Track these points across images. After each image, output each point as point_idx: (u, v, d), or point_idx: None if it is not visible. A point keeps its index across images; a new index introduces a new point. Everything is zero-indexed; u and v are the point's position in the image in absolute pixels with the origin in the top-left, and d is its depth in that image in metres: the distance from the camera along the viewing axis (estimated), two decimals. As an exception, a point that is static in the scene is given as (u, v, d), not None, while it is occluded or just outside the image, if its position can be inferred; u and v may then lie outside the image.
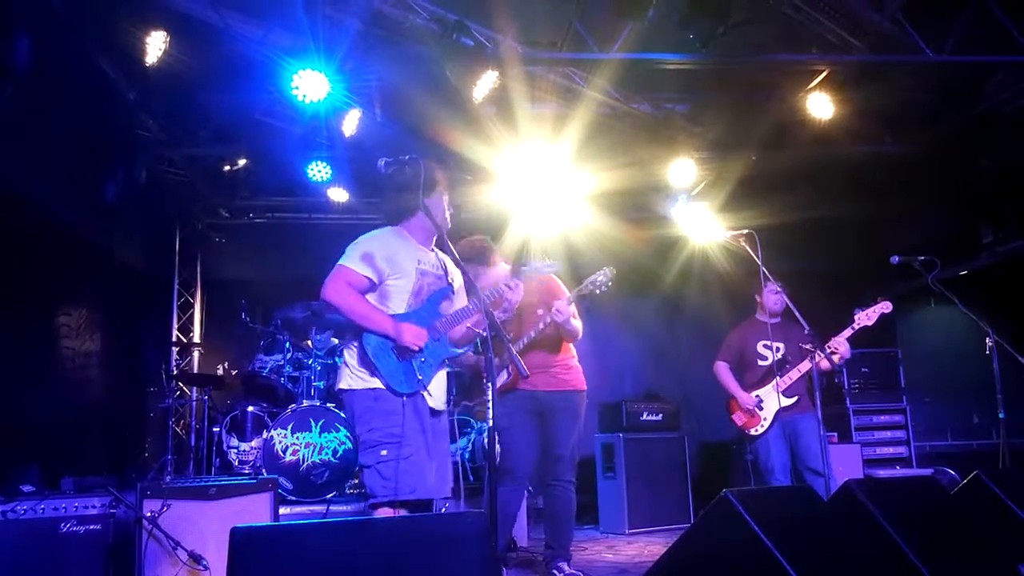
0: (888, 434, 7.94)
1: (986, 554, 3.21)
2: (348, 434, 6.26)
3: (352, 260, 3.58)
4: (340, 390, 3.64)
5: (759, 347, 5.62)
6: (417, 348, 3.55)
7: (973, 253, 8.26)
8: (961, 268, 8.24)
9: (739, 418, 5.59)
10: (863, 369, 7.98)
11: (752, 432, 5.52)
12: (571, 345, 4.89)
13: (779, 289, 5.46)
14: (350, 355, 3.60)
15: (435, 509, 3.69)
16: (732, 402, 5.67)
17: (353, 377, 3.56)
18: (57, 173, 5.97)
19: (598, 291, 4.54)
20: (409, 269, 3.67)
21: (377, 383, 3.51)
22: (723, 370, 5.76)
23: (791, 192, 7.85)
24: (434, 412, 3.65)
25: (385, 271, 3.60)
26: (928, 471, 7.33)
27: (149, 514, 4.12)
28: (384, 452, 3.41)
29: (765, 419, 5.48)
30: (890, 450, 7.89)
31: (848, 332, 5.38)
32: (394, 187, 3.73)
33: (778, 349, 5.57)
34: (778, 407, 5.40)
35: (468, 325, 3.80)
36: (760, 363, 5.62)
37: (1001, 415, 5.10)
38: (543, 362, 4.71)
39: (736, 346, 5.75)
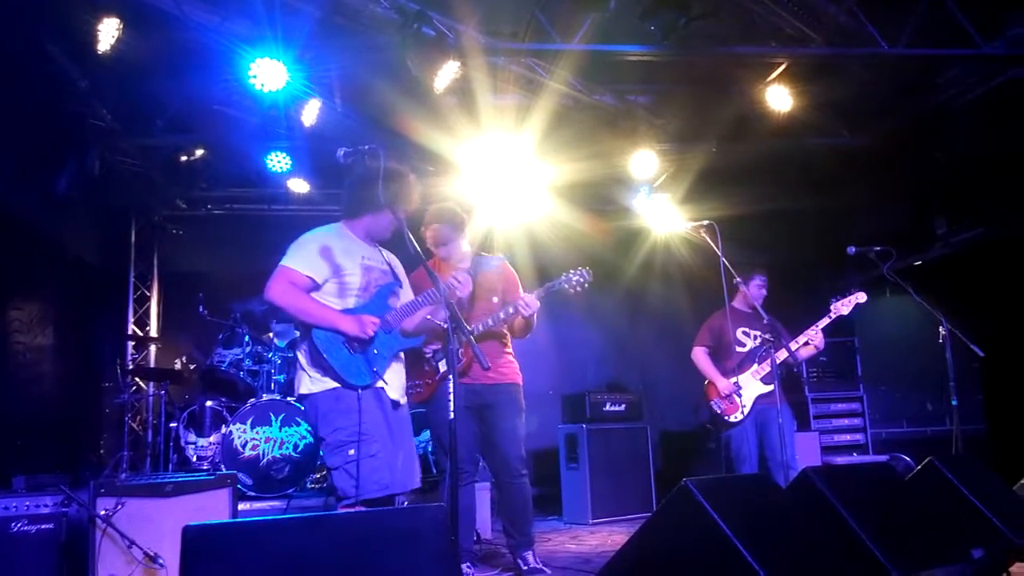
0: (845, 422, 8.08)
1: (940, 538, 3.27)
2: (309, 428, 6.21)
3: (294, 260, 3.60)
4: (301, 395, 3.64)
5: (739, 334, 5.64)
6: (367, 336, 3.55)
7: (927, 244, 8.39)
8: (916, 258, 8.38)
9: (718, 404, 5.60)
10: (821, 358, 8.08)
11: (730, 419, 5.54)
12: (510, 339, 4.80)
13: (762, 286, 5.52)
14: (303, 356, 3.61)
15: (396, 502, 3.68)
16: (710, 388, 5.67)
17: (310, 379, 3.57)
18: (6, 164, 5.83)
19: (571, 291, 4.43)
20: (354, 266, 3.69)
21: (333, 382, 3.52)
22: (701, 355, 5.76)
23: (750, 184, 7.91)
24: (395, 404, 3.67)
25: (329, 269, 3.62)
26: (884, 457, 7.46)
27: (103, 512, 4.05)
28: (351, 452, 3.41)
29: (744, 406, 5.49)
30: (847, 437, 8.02)
31: (825, 321, 5.45)
32: (357, 183, 3.74)
33: (756, 337, 5.61)
34: (757, 394, 5.45)
35: (427, 316, 3.78)
36: (738, 349, 5.64)
37: (954, 402, 5.19)
38: (489, 355, 4.41)
39: (716, 331, 5.73)
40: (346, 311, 3.59)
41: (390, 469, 3.48)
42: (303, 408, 3.81)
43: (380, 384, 3.60)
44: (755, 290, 5.58)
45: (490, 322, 4.49)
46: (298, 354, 3.68)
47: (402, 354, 3.83)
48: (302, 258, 3.61)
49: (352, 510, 3.33)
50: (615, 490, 7.21)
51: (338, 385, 3.52)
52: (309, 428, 6.30)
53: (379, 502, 3.42)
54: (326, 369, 3.52)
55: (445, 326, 3.43)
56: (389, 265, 3.86)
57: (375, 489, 3.40)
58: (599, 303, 9.37)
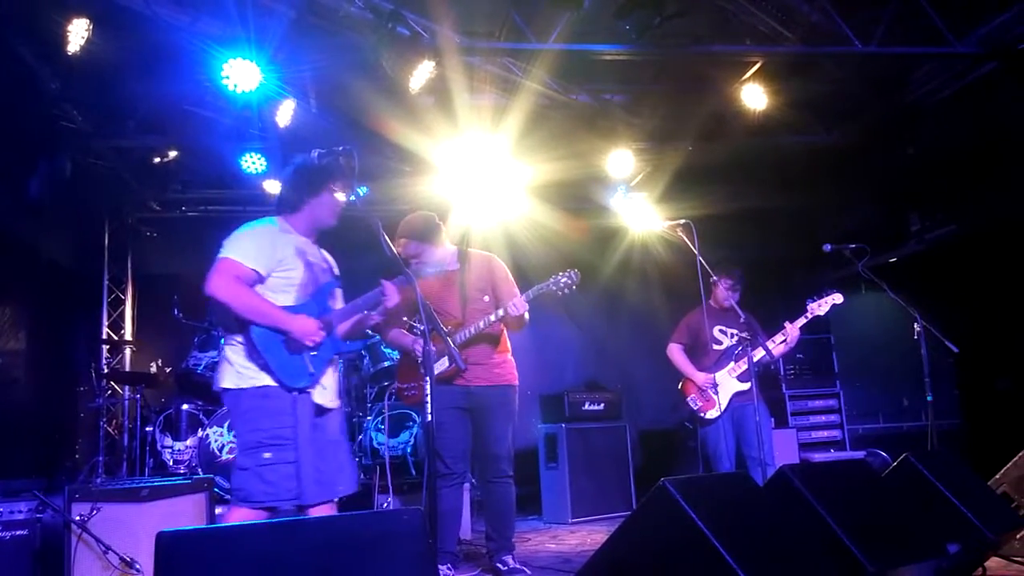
0: (823, 418, 8.14)
1: (916, 534, 3.29)
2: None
3: (237, 252, 3.39)
4: (223, 389, 3.40)
5: (715, 331, 5.66)
6: (315, 343, 3.41)
7: (901, 241, 8.48)
8: (890, 255, 8.46)
9: (694, 401, 5.60)
10: (798, 355, 8.14)
11: (706, 416, 5.55)
12: (506, 338, 4.80)
13: (733, 287, 5.53)
14: (234, 351, 3.40)
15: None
16: (687, 384, 5.68)
17: (239, 375, 3.36)
18: (-25, 167, 5.74)
19: (560, 293, 4.45)
20: (296, 262, 3.52)
21: (267, 380, 3.33)
22: (677, 351, 5.78)
23: (727, 182, 7.96)
24: (323, 410, 3.49)
25: (272, 263, 3.44)
26: (861, 453, 7.52)
27: (78, 518, 4.00)
28: (268, 455, 3.24)
29: (720, 403, 5.51)
30: (825, 434, 8.08)
31: (801, 321, 5.48)
32: (296, 172, 3.62)
33: (733, 335, 5.62)
34: (733, 391, 5.47)
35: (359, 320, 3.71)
36: (715, 347, 5.66)
37: (929, 398, 5.23)
38: (482, 356, 4.55)
39: (693, 328, 5.74)
40: (288, 309, 3.42)
41: (302, 479, 3.27)
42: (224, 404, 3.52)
43: (316, 388, 3.44)
44: (723, 291, 5.59)
45: (482, 325, 4.48)
46: (227, 347, 3.44)
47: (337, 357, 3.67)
48: (246, 250, 3.40)
49: (251, 517, 3.18)
50: (595, 489, 7.22)
51: (272, 384, 3.33)
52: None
53: (285, 512, 3.25)
54: (262, 367, 3.32)
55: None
56: (328, 263, 3.72)
57: (284, 497, 3.22)
58: (577, 302, 9.37)
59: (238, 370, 3.36)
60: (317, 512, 3.36)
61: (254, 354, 3.33)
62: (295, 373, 3.36)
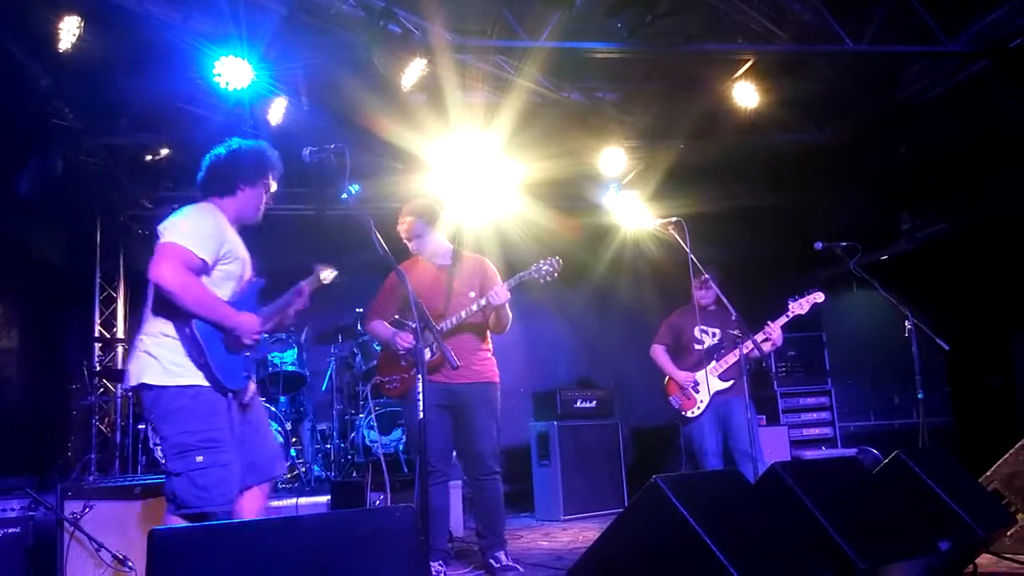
0: (814, 416, 8.16)
1: (907, 531, 3.30)
2: (279, 428, 6.16)
3: (186, 238, 3.11)
4: (143, 384, 3.10)
5: (696, 331, 5.67)
6: (256, 341, 3.26)
7: (893, 239, 8.50)
8: (881, 253, 8.48)
9: (676, 400, 5.64)
10: (790, 353, 8.17)
11: (688, 414, 5.57)
12: (489, 336, 4.80)
13: (702, 285, 5.54)
14: (160, 345, 3.12)
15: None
16: (669, 383, 5.71)
17: (167, 372, 3.08)
18: (-34, 165, 5.72)
19: (542, 280, 4.48)
20: (240, 253, 3.35)
21: (200, 379, 3.10)
22: (660, 352, 5.81)
23: (718, 180, 7.97)
24: (245, 406, 3.37)
25: (217, 254, 3.21)
26: (852, 451, 7.55)
27: (71, 515, 4.00)
28: (200, 458, 3.03)
29: (701, 401, 5.53)
30: (816, 431, 8.10)
31: (782, 320, 5.49)
32: (238, 160, 3.46)
33: (714, 334, 5.64)
34: (714, 390, 5.49)
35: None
36: (696, 347, 5.67)
37: (920, 395, 5.25)
38: (463, 353, 4.45)
39: (675, 329, 5.77)
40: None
41: (235, 483, 3.16)
42: (139, 398, 3.20)
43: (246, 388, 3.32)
44: (696, 292, 5.60)
45: (463, 315, 4.49)
46: (149, 339, 3.14)
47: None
48: (195, 237, 3.13)
49: (191, 523, 3.03)
50: (587, 486, 7.23)
51: (204, 384, 3.10)
52: (280, 428, 6.26)
53: (221, 515, 3.09)
54: (201, 365, 3.09)
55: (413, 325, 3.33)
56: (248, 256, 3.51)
57: (220, 502, 3.06)
58: (569, 300, 9.40)
59: (166, 366, 3.09)
60: (251, 496, 3.29)
61: (195, 351, 3.10)
62: (233, 374, 3.19)
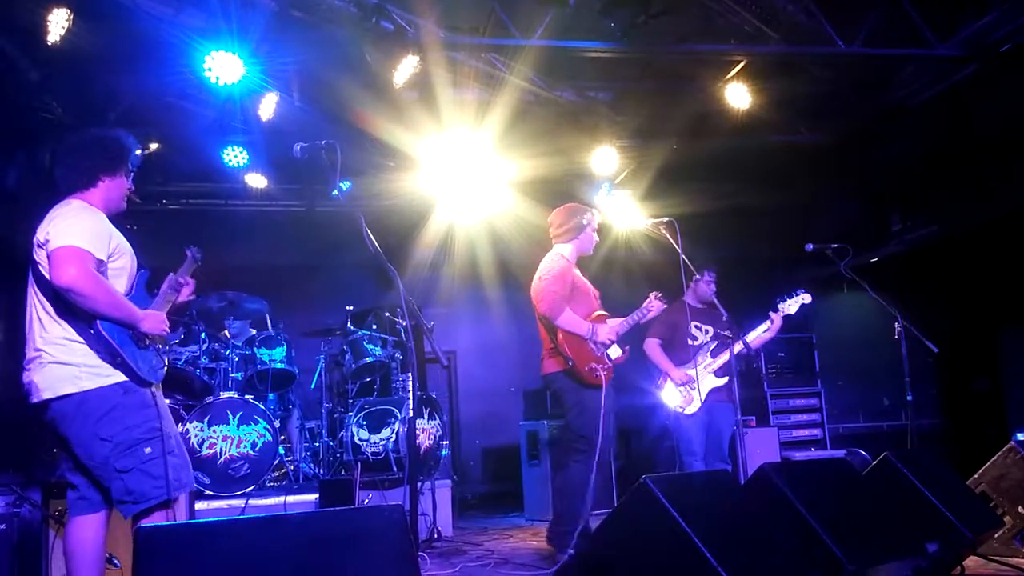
0: (804, 417, 8.17)
1: (895, 532, 3.31)
2: (268, 426, 6.13)
3: (82, 239, 3.03)
4: (66, 395, 3.05)
5: (691, 328, 5.67)
6: (164, 334, 3.28)
7: (883, 240, 8.54)
8: (871, 255, 8.52)
9: (661, 385, 5.64)
10: (779, 354, 8.18)
11: (685, 411, 5.56)
12: (556, 329, 4.99)
13: (709, 280, 5.57)
14: (71, 352, 3.07)
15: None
16: (665, 380, 5.70)
17: (91, 376, 3.06)
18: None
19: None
20: (127, 247, 3.30)
21: (121, 376, 3.09)
22: (654, 347, 5.79)
23: (710, 181, 7.98)
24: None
25: (107, 252, 3.16)
26: (841, 452, 7.56)
27: (56, 512, 3.97)
28: (148, 450, 3.06)
29: (697, 399, 5.52)
30: (805, 432, 8.12)
31: (780, 315, 5.53)
32: (96, 150, 3.37)
33: (707, 331, 5.65)
34: (710, 387, 5.49)
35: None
36: (691, 343, 5.67)
37: (909, 397, 5.26)
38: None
39: (670, 324, 5.75)
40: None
41: (187, 467, 3.21)
42: (60, 412, 3.12)
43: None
44: (704, 286, 5.63)
45: (635, 318, 5.12)
46: (56, 347, 3.09)
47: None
48: (87, 237, 3.06)
49: (163, 519, 3.06)
50: (576, 486, 7.20)
51: (126, 379, 3.10)
52: (267, 427, 6.23)
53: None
54: (119, 364, 3.08)
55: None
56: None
57: (176, 488, 3.08)
58: (560, 299, 9.36)
59: (84, 371, 3.06)
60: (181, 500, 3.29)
61: (107, 351, 3.08)
62: (149, 367, 3.20)
